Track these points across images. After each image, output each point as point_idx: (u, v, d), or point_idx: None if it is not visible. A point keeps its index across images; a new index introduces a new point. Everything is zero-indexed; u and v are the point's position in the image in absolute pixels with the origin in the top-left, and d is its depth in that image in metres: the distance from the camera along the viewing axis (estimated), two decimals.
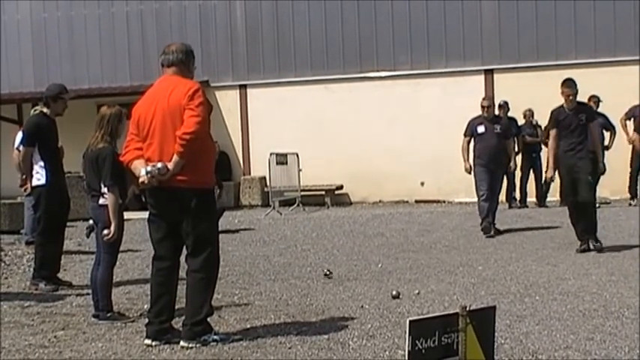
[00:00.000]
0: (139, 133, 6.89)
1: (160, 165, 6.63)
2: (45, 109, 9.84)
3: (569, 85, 11.40)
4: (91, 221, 8.32)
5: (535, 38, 19.54)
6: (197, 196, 6.74)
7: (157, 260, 6.97)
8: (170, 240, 6.90)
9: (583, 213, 11.28)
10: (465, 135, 13.81)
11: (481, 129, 13.54)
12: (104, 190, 7.81)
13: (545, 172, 12.18)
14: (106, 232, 7.72)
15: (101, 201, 7.87)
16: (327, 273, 9.93)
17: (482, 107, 13.77)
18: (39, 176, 9.74)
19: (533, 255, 10.95)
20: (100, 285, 7.96)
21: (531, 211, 15.47)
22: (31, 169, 9.84)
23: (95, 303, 8.02)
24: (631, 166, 17.21)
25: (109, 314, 7.90)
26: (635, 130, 16.99)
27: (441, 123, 19.59)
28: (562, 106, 11.47)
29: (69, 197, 10.18)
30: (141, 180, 6.74)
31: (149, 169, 6.64)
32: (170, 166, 6.65)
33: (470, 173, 13.76)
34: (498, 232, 13.31)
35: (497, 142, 13.53)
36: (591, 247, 11.16)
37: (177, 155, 6.63)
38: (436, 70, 20.16)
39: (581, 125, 11.33)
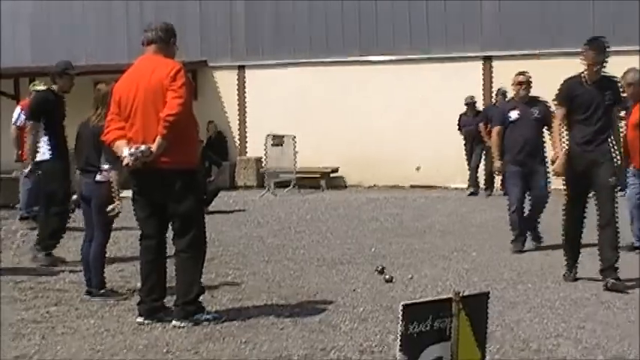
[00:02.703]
0: (121, 113, 6.88)
1: (143, 147, 6.62)
2: (52, 86, 9.91)
3: (597, 46, 8.09)
4: (75, 196, 8.33)
5: (535, 25, 19.47)
6: (181, 177, 6.74)
7: (144, 239, 7.01)
8: (155, 218, 6.92)
9: (604, 236, 8.11)
10: (495, 124, 10.96)
11: (514, 114, 10.49)
12: (104, 166, 7.78)
13: (552, 163, 8.67)
14: (111, 207, 7.69)
15: (98, 177, 7.86)
16: (379, 269, 8.91)
17: (520, 84, 10.62)
18: (44, 151, 9.77)
19: (527, 242, 10.95)
20: (94, 262, 7.97)
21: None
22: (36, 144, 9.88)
23: (87, 280, 8.03)
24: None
25: (101, 291, 7.91)
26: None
27: (439, 109, 19.53)
28: (581, 75, 8.21)
29: (69, 173, 10.22)
30: (125, 162, 6.74)
31: (132, 151, 6.63)
32: (153, 147, 6.63)
33: (499, 174, 11.30)
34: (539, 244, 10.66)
35: (536, 131, 10.40)
36: (609, 285, 7.92)
37: (161, 137, 6.61)
38: (435, 56, 20.10)
39: (604, 107, 8.09)
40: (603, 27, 18.94)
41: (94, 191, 7.93)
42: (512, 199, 10.57)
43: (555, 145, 8.35)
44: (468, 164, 18.30)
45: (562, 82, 8.35)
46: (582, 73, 8.19)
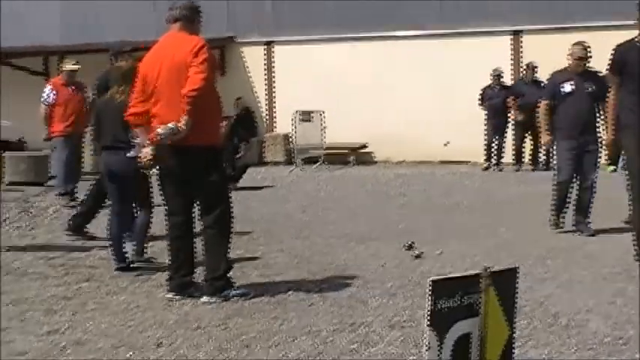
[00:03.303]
0: (145, 90, 6.91)
1: (171, 125, 6.63)
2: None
3: None
4: None
5: None
6: (205, 154, 6.77)
7: (171, 216, 7.05)
8: (181, 195, 6.95)
9: None
10: (544, 97, 10.25)
11: (568, 87, 9.74)
12: (135, 141, 7.81)
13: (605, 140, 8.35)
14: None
15: (131, 153, 7.87)
16: (408, 244, 8.92)
17: (580, 59, 9.76)
18: None
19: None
20: (139, 232, 8.20)
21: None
22: None
23: (117, 256, 8.09)
24: None
25: (142, 258, 8.08)
26: None
27: (468, 84, 19.41)
28: (634, 39, 7.67)
29: None
30: (144, 151, 6.81)
31: (161, 130, 6.65)
32: (181, 124, 6.64)
33: (546, 146, 10.93)
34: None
35: (590, 107, 9.69)
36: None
37: (186, 114, 6.62)
38: (464, 30, 19.95)
39: None
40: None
41: (127, 167, 7.89)
42: (562, 175, 9.87)
43: (610, 120, 7.85)
44: (489, 139, 18.12)
45: (613, 48, 7.75)
46: (636, 37, 7.66)
